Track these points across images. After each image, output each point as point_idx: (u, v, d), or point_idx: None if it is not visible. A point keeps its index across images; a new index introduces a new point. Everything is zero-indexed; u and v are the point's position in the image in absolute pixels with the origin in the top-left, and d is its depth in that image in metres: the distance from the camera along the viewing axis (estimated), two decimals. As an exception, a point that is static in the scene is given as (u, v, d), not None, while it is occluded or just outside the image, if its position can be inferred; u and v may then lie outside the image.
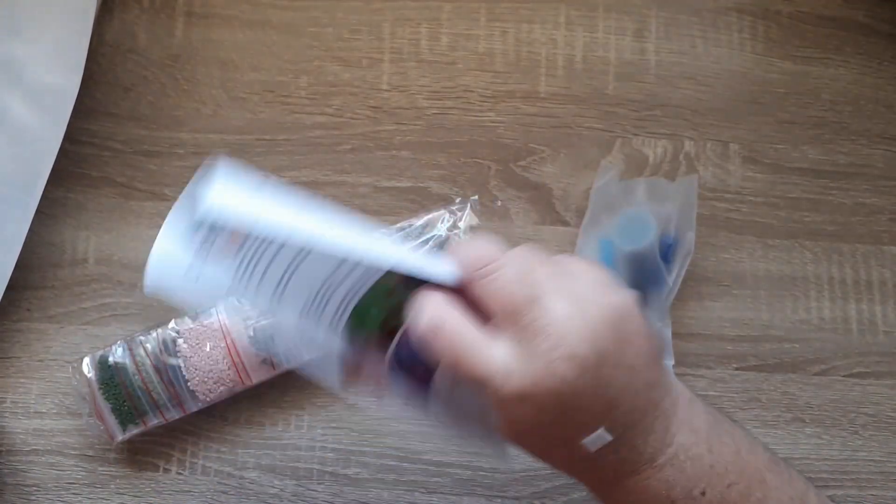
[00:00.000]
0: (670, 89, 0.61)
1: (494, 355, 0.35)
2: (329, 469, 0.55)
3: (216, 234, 0.36)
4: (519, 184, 0.59)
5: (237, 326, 0.53)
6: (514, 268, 0.36)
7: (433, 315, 0.36)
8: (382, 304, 0.38)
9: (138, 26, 0.61)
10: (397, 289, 0.38)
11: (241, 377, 0.53)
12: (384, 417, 0.56)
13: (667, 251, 0.56)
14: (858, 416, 0.56)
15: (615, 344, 0.35)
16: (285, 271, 0.37)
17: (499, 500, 0.54)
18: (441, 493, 0.54)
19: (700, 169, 0.60)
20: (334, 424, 0.56)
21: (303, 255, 0.37)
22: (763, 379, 0.56)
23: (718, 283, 0.58)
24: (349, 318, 0.38)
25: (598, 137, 0.60)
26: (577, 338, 0.34)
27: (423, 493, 0.55)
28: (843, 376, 0.56)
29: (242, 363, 0.53)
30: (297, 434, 0.56)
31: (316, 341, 0.39)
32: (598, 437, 0.36)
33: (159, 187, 0.59)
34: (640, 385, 0.37)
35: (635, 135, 0.60)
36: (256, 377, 0.54)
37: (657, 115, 0.60)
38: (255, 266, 0.37)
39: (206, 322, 0.53)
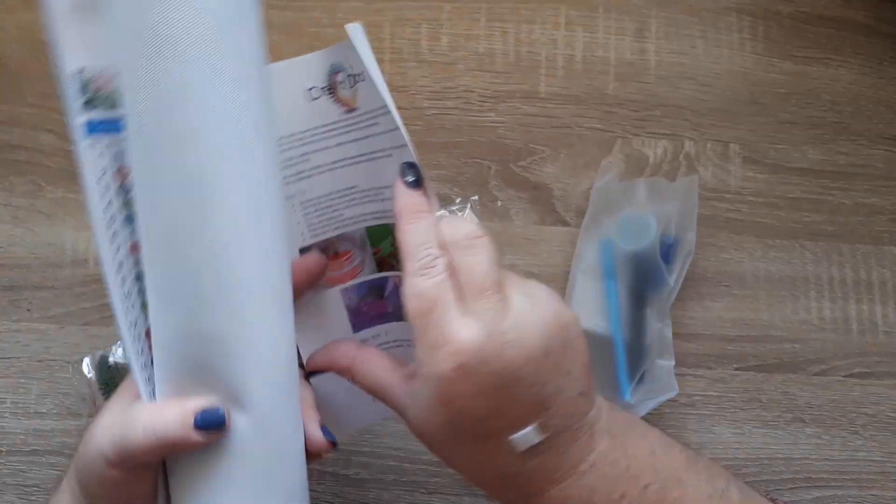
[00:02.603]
0: (670, 89, 0.61)
1: (461, 325, 0.36)
2: (329, 469, 0.55)
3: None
4: (519, 184, 0.59)
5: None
6: (492, 249, 0.38)
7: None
8: (387, 243, 0.45)
9: (138, 26, 0.61)
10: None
11: (241, 377, 0.53)
12: (384, 417, 0.56)
13: (667, 251, 0.56)
14: (858, 416, 0.56)
15: (559, 347, 0.37)
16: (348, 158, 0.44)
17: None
18: (441, 493, 0.54)
19: (700, 169, 0.60)
20: (334, 424, 0.56)
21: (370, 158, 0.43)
22: (763, 379, 0.56)
23: (718, 283, 0.58)
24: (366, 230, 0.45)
25: (598, 137, 0.60)
26: (529, 330, 0.36)
27: (423, 493, 0.55)
28: (843, 376, 0.56)
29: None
30: (298, 434, 0.56)
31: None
32: (527, 435, 0.37)
33: (159, 187, 0.59)
34: (574, 392, 0.38)
35: (635, 135, 0.60)
36: (256, 377, 0.54)
37: (657, 115, 0.60)
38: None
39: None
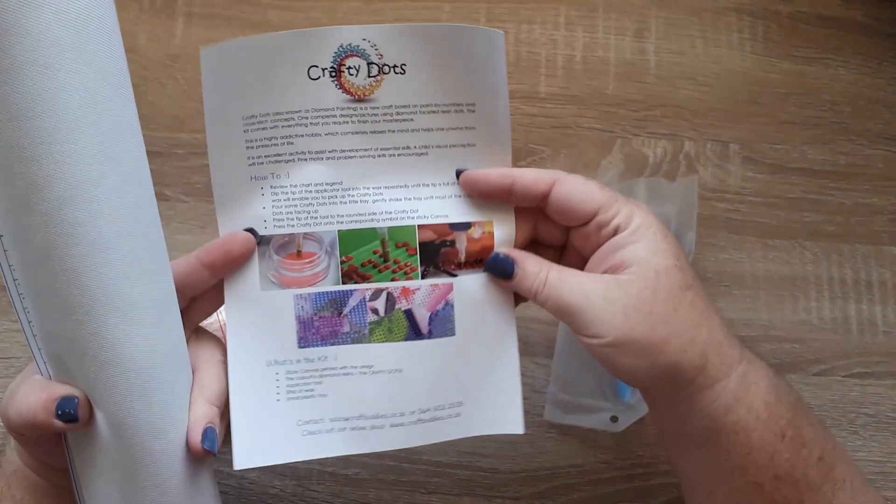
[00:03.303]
0: (670, 89, 0.61)
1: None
2: (329, 469, 0.55)
3: None
4: (519, 184, 0.59)
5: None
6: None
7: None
8: (364, 251, 0.43)
9: (138, 26, 0.61)
10: (388, 251, 0.43)
11: (241, 377, 0.53)
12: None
13: (667, 251, 0.56)
14: (858, 416, 0.56)
15: None
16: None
17: (499, 501, 0.54)
18: (441, 493, 0.54)
19: (700, 169, 0.60)
20: (334, 424, 0.56)
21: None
22: (763, 379, 0.56)
23: (718, 283, 0.58)
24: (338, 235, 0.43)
25: (598, 137, 0.60)
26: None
27: (423, 493, 0.55)
28: (843, 376, 0.56)
29: (242, 363, 0.53)
30: (297, 434, 0.55)
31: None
32: None
33: (159, 187, 0.59)
34: None
35: (635, 135, 0.60)
36: (256, 377, 0.53)
37: (657, 115, 0.60)
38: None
39: (205, 322, 0.53)
